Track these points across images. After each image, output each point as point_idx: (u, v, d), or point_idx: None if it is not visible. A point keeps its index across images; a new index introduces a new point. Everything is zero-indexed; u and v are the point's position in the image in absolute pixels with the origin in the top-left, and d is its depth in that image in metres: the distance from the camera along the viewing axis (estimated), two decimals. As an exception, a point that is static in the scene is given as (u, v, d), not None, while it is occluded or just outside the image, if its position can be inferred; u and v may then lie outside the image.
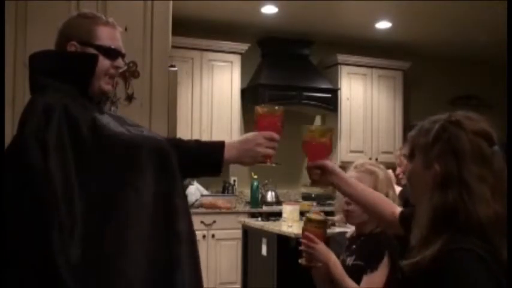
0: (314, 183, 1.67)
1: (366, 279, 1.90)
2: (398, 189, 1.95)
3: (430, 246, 1.21)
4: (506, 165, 1.29)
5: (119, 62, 1.59)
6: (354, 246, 2.04)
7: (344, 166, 5.29)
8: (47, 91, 1.46)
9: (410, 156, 1.39)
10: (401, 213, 1.61)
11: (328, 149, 1.68)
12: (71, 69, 1.53)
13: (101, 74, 1.55)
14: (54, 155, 1.33)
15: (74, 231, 1.30)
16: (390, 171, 3.24)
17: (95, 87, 1.56)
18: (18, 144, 1.39)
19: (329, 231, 2.05)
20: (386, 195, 2.01)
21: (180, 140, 1.54)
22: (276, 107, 1.61)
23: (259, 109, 1.60)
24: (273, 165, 1.58)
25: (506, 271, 1.19)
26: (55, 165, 1.32)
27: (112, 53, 1.57)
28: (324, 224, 1.92)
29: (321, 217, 1.92)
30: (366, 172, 2.05)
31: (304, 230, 1.90)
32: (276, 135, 1.56)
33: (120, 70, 1.63)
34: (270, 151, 1.55)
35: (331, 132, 1.70)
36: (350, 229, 2.25)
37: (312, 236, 1.90)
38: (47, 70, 1.52)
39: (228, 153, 1.50)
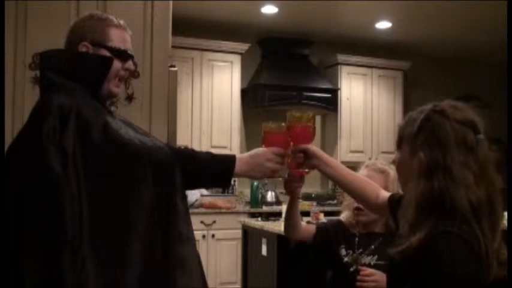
0: (299, 166, 1.70)
1: None
2: None
3: (417, 233, 1.23)
4: (492, 154, 1.31)
5: (129, 64, 1.62)
6: (372, 246, 2.04)
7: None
8: (61, 90, 1.47)
9: (398, 145, 1.42)
10: (391, 197, 1.64)
11: (311, 133, 1.71)
12: (85, 70, 1.54)
13: (111, 75, 1.57)
14: (71, 161, 1.35)
15: (83, 238, 1.33)
16: None
17: (104, 89, 1.57)
18: (35, 144, 1.39)
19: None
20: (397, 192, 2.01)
21: (192, 151, 1.56)
22: (283, 124, 1.68)
23: (266, 126, 1.68)
24: (280, 178, 1.67)
25: (487, 253, 1.21)
26: (72, 171, 1.35)
27: (123, 55, 1.59)
28: (313, 117, 1.79)
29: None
30: (377, 171, 2.06)
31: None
32: (283, 151, 1.63)
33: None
34: (278, 166, 1.61)
35: (313, 117, 1.72)
36: (343, 216, 2.23)
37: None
38: (60, 69, 1.53)
39: (238, 167, 1.54)
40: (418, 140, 1.32)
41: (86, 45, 1.56)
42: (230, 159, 1.54)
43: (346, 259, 2.07)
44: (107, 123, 1.43)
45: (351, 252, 2.07)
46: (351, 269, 2.03)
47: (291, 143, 1.68)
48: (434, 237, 1.21)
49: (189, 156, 1.52)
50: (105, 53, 1.56)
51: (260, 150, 1.62)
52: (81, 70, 1.53)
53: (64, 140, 1.37)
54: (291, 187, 1.85)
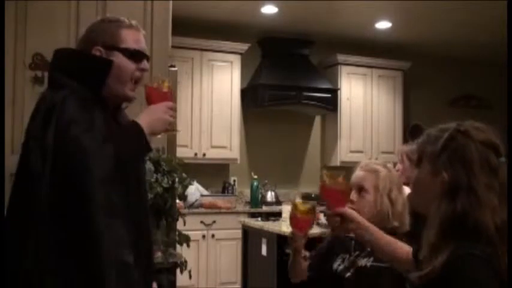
0: (334, 230, 1.69)
1: None
2: (407, 190, 1.95)
3: (439, 255, 1.22)
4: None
5: (144, 64, 1.62)
6: (368, 248, 2.03)
7: (352, 167, 5.26)
8: (62, 89, 1.49)
9: (417, 164, 1.39)
10: (413, 252, 1.60)
11: (347, 194, 1.71)
12: (85, 70, 1.55)
13: (126, 78, 1.59)
14: (49, 158, 1.41)
15: (51, 248, 1.40)
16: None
17: (118, 93, 1.59)
18: (24, 142, 1.48)
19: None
20: (389, 192, 2.00)
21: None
22: (164, 80, 1.69)
23: (149, 86, 1.67)
24: (179, 131, 1.74)
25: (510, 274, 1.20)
26: (49, 169, 1.41)
27: (137, 56, 1.60)
28: (313, 210, 1.89)
29: (308, 204, 1.88)
30: (369, 171, 2.06)
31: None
32: (174, 105, 1.66)
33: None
34: (173, 119, 1.64)
35: (345, 177, 1.72)
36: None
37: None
38: (65, 68, 1.55)
39: (144, 128, 1.55)
40: (441, 160, 1.31)
41: (98, 49, 1.57)
42: (139, 130, 1.54)
43: (341, 267, 2.05)
44: (71, 125, 1.43)
45: (347, 256, 2.05)
46: (347, 275, 2.02)
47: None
48: (457, 261, 1.19)
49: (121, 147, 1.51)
50: (118, 55, 1.57)
51: (153, 106, 1.62)
52: (82, 71, 1.55)
53: (45, 137, 1.41)
54: (296, 246, 1.93)
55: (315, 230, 3.46)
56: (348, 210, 1.65)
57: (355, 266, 1.99)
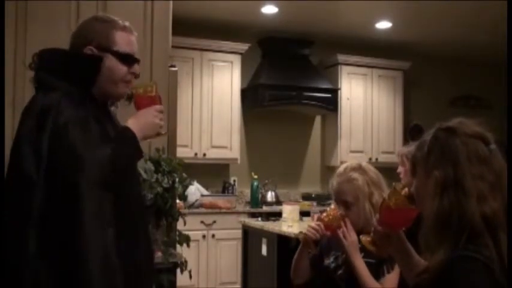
0: (374, 247, 1.55)
1: (386, 280, 1.92)
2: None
3: (434, 255, 1.22)
4: (505, 163, 1.29)
5: (136, 67, 1.63)
6: (359, 245, 2.03)
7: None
8: (49, 90, 1.48)
9: (413, 173, 1.39)
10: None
11: (413, 216, 1.45)
12: (75, 70, 1.55)
13: (118, 80, 1.59)
14: (43, 163, 1.40)
15: (43, 252, 1.39)
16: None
17: (109, 91, 1.59)
18: (15, 146, 1.47)
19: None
20: (370, 197, 1.98)
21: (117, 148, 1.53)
22: (152, 85, 1.69)
23: (136, 89, 1.66)
24: (167, 133, 1.77)
25: (505, 267, 1.19)
26: (42, 174, 1.40)
27: (129, 59, 1.61)
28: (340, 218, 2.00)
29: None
30: (346, 181, 2.03)
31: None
32: (163, 108, 1.67)
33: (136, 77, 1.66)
34: (163, 123, 1.66)
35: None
36: None
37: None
38: (53, 69, 1.54)
39: (136, 133, 1.55)
40: (430, 161, 1.31)
41: (90, 49, 1.56)
42: (131, 135, 1.54)
43: (333, 264, 2.05)
44: (69, 128, 1.42)
45: (340, 253, 2.05)
46: (339, 272, 2.02)
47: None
48: (454, 264, 1.19)
49: (119, 156, 1.50)
50: (110, 57, 1.57)
51: (142, 111, 1.62)
52: (72, 70, 1.54)
53: (40, 141, 1.41)
54: (310, 241, 2.02)
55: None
56: (402, 233, 1.49)
57: (347, 263, 1.99)
